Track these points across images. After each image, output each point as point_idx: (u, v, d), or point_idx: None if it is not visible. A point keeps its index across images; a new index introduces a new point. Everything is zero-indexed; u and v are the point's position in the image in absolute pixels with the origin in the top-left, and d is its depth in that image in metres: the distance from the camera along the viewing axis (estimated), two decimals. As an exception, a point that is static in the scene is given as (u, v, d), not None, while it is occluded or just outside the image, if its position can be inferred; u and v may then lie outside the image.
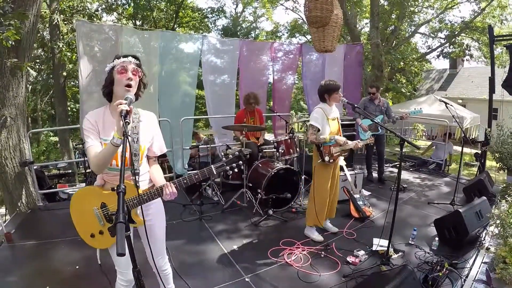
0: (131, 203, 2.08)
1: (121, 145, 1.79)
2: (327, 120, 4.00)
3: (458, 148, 10.51)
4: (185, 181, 2.15)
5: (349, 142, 4.11)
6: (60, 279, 3.45)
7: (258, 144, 5.90)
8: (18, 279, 3.45)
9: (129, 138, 1.73)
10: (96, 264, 3.54)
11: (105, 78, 2.14)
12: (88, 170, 6.05)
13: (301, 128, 13.23)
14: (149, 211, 2.31)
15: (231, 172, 2.23)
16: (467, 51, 12.94)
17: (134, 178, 1.76)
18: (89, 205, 2.17)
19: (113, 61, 2.12)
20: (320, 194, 4.13)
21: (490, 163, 7.88)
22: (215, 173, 2.18)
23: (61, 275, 3.53)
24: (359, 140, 4.25)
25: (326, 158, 3.99)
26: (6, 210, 5.42)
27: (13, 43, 4.47)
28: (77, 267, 3.62)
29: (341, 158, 4.58)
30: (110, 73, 2.12)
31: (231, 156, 2.20)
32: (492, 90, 6.74)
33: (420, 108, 6.48)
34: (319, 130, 3.97)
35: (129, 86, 2.06)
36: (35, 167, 5.67)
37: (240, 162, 2.25)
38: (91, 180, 3.35)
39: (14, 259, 3.90)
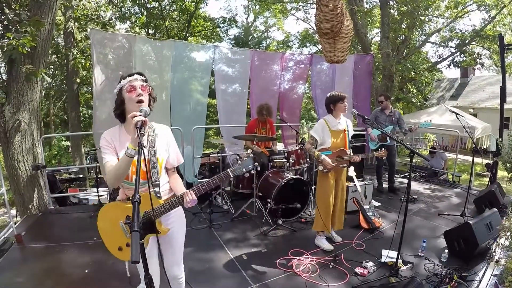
0: (154, 213, 2.11)
1: (136, 156, 1.84)
2: (330, 131, 4.05)
3: (453, 155, 10.53)
4: (203, 187, 2.18)
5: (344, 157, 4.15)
6: (69, 282, 3.50)
7: (270, 153, 5.93)
8: (27, 280, 3.52)
9: (145, 149, 1.76)
10: (105, 268, 3.59)
11: (115, 101, 2.20)
12: (100, 175, 6.11)
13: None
14: (169, 220, 2.35)
15: (247, 174, 2.22)
16: (478, 60, 12.84)
17: (153, 189, 1.80)
18: (115, 219, 2.21)
19: (120, 82, 2.17)
20: (321, 200, 4.18)
21: (501, 173, 7.80)
22: (231, 176, 2.19)
23: (69, 278, 3.58)
24: (358, 155, 4.24)
25: (320, 167, 4.05)
26: (17, 212, 5.49)
27: (29, 50, 4.58)
28: (86, 270, 3.67)
29: (351, 168, 4.58)
30: (119, 94, 2.17)
31: (245, 158, 2.21)
32: (503, 99, 6.68)
33: (430, 121, 6.47)
34: (317, 140, 4.08)
35: (140, 102, 2.10)
36: (47, 171, 5.76)
37: (256, 163, 2.22)
38: (114, 196, 3.43)
39: (23, 261, 3.97)
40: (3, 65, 5.18)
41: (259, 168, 2.23)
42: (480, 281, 3.42)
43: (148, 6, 18.27)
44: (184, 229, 2.53)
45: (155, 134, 2.25)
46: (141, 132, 1.80)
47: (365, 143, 7.36)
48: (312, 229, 4.43)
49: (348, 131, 4.22)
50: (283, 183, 5.03)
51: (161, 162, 2.25)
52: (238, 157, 5.17)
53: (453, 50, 14.00)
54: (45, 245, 4.30)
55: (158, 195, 2.06)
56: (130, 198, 1.56)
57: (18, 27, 4.61)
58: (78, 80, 12.59)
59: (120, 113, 2.20)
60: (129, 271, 3.46)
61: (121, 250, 2.25)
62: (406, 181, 7.62)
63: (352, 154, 4.23)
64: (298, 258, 4.02)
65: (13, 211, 5.74)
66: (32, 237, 4.51)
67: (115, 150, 2.17)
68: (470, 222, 3.93)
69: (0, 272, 3.64)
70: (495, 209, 4.50)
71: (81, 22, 11.40)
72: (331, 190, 4.17)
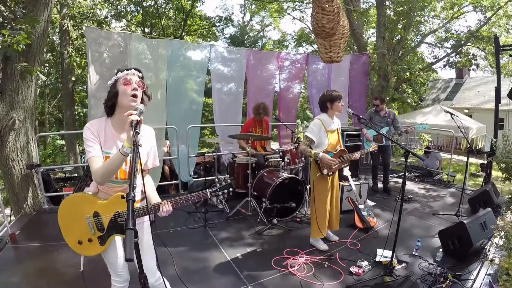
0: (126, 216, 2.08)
1: (130, 154, 1.83)
2: (326, 132, 4.00)
3: (447, 155, 10.60)
4: (181, 201, 2.21)
5: (345, 156, 4.14)
6: (63, 281, 3.49)
7: (265, 153, 5.93)
8: (21, 280, 3.50)
9: (139, 148, 1.75)
10: (100, 267, 3.56)
11: (108, 92, 2.15)
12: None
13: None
14: (140, 225, 2.34)
15: (222, 197, 2.41)
16: (473, 61, 12.89)
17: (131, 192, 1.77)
18: (81, 212, 2.16)
19: (116, 74, 2.14)
20: (320, 206, 4.13)
21: (495, 173, 7.84)
22: (209, 197, 2.30)
23: (64, 277, 3.56)
24: (357, 152, 4.24)
25: (325, 172, 3.99)
26: (11, 211, 5.47)
27: (24, 47, 4.55)
28: (80, 270, 3.64)
29: (346, 168, 4.58)
30: (114, 86, 2.12)
31: (224, 183, 2.40)
32: (498, 100, 6.71)
33: (426, 124, 6.52)
34: (314, 142, 3.98)
35: (134, 96, 2.08)
36: (41, 170, 5.72)
37: (231, 188, 2.39)
38: (80, 186, 3.41)
39: (18, 260, 3.94)
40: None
41: (231, 194, 2.42)
42: (474, 280, 3.43)
43: (144, 4, 18.23)
44: (150, 236, 2.45)
45: (140, 135, 2.22)
46: (136, 130, 1.79)
47: (360, 143, 7.38)
48: (311, 237, 4.38)
49: (339, 130, 4.23)
50: (278, 183, 5.02)
51: (141, 164, 2.24)
52: (217, 180, 5.30)
53: (448, 50, 14.04)
54: (39, 244, 4.28)
55: (134, 198, 2.06)
56: (125, 196, 1.55)
57: (13, 24, 4.58)
58: (73, 79, 12.54)
59: (111, 105, 2.15)
60: (83, 265, 3.49)
61: (81, 244, 2.21)
62: (401, 180, 7.64)
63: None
64: (293, 257, 4.01)
65: (7, 210, 5.71)
66: (26, 236, 4.48)
67: (100, 144, 2.12)
68: (465, 221, 3.95)
69: (-6, 271, 3.62)
70: (489, 209, 4.53)
71: (77, 20, 11.36)
72: (329, 193, 4.16)
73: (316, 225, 4.16)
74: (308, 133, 4.01)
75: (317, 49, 6.50)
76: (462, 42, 12.85)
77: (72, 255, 3.96)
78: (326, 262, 3.91)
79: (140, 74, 2.19)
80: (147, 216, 2.42)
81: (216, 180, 4.73)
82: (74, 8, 11.32)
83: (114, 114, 2.18)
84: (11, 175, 5.10)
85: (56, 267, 3.77)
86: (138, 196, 2.28)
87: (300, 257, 4.02)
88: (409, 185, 7.45)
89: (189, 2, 19.42)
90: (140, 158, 1.72)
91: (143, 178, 2.33)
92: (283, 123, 7.32)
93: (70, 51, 11.16)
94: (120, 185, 2.19)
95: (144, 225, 2.41)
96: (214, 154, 6.70)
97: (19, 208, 5.23)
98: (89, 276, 3.56)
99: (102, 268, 3.55)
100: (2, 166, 5.12)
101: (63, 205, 2.25)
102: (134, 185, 1.69)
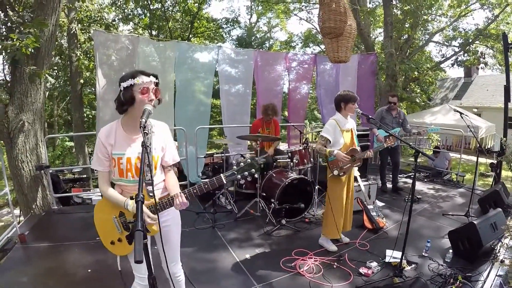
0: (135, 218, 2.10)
1: (140, 156, 1.85)
2: (341, 131, 4.00)
3: (456, 155, 10.52)
4: (194, 190, 2.17)
5: (357, 154, 4.10)
6: (72, 282, 3.51)
7: (270, 155, 5.91)
8: (30, 280, 3.53)
9: (150, 146, 1.76)
10: (108, 268, 3.59)
11: (122, 94, 2.12)
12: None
13: (315, 138, 13.18)
14: (164, 217, 2.33)
15: (243, 181, 2.23)
16: (481, 59, 12.75)
17: (146, 188, 1.79)
18: (109, 213, 2.23)
19: (134, 78, 2.09)
20: (336, 206, 4.12)
21: (506, 173, 7.76)
22: (225, 182, 2.17)
23: (72, 277, 3.59)
24: (370, 150, 4.22)
25: (335, 172, 3.99)
26: (20, 212, 5.52)
27: (32, 51, 4.59)
28: (89, 270, 3.68)
29: (355, 168, 4.56)
30: (129, 90, 2.10)
31: (242, 164, 2.19)
32: (507, 98, 6.64)
33: (438, 127, 6.48)
34: (330, 141, 3.99)
35: None
36: (50, 171, 5.77)
37: (253, 170, 2.17)
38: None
39: (27, 260, 3.97)
40: (7, 66, 5.20)
41: (256, 175, 2.21)
42: (484, 282, 3.40)
43: (151, 7, 18.31)
44: (179, 229, 2.52)
45: (152, 131, 2.20)
46: (145, 131, 1.81)
47: (368, 143, 7.33)
48: (324, 235, 4.37)
49: (354, 129, 4.21)
50: (287, 183, 5.01)
51: (156, 160, 2.25)
52: (236, 162, 5.17)
53: (456, 49, 13.92)
54: (48, 245, 4.31)
55: (151, 194, 2.06)
56: (134, 197, 1.55)
57: (22, 28, 4.62)
58: (81, 81, 12.61)
59: (126, 109, 2.16)
60: (120, 265, 3.47)
61: (113, 244, 2.27)
62: (410, 181, 7.60)
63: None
64: (301, 258, 4.00)
65: (17, 211, 5.76)
66: (35, 237, 4.52)
67: (109, 152, 2.19)
68: (475, 222, 3.91)
69: (3, 271, 3.65)
70: (500, 209, 4.48)
71: (84, 24, 11.43)
72: (344, 193, 4.14)
73: (333, 225, 4.16)
74: (324, 133, 4.03)
75: (324, 49, 6.47)
76: (470, 40, 12.73)
77: (81, 256, 4.00)
78: (335, 263, 3.90)
79: (156, 80, 2.19)
80: (175, 210, 2.41)
81: (233, 162, 4.43)
82: (82, 12, 11.38)
83: (124, 115, 2.21)
84: (20, 176, 5.15)
85: (65, 267, 3.80)
86: (159, 194, 2.30)
87: (309, 258, 4.01)
88: (418, 185, 7.38)
89: (196, 4, 19.48)
90: (148, 158, 1.73)
91: (165, 175, 2.38)
92: (292, 124, 7.31)
93: (78, 54, 11.23)
94: (136, 183, 2.20)
95: (174, 220, 2.45)
96: (222, 155, 6.71)
97: (28, 209, 5.29)
98: (97, 276, 3.58)
99: (109, 268, 3.59)
100: (12, 168, 5.17)
101: (96, 209, 2.34)
102: (149, 184, 1.71)
